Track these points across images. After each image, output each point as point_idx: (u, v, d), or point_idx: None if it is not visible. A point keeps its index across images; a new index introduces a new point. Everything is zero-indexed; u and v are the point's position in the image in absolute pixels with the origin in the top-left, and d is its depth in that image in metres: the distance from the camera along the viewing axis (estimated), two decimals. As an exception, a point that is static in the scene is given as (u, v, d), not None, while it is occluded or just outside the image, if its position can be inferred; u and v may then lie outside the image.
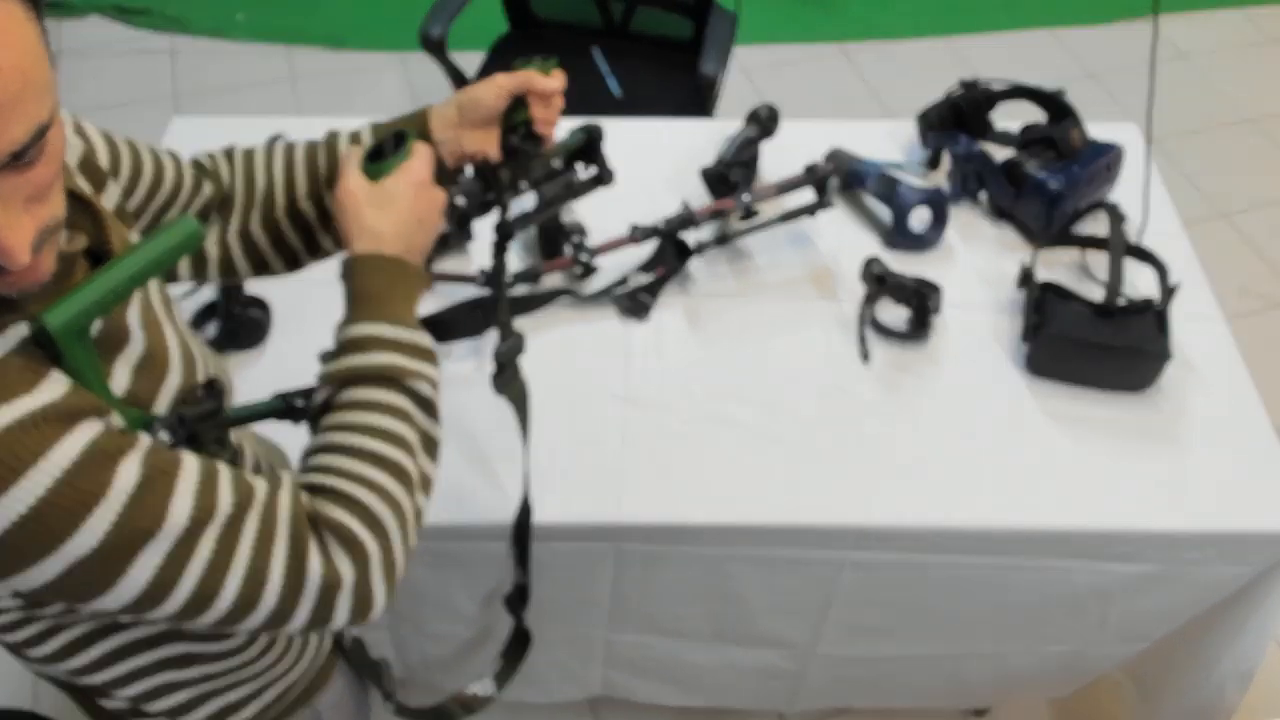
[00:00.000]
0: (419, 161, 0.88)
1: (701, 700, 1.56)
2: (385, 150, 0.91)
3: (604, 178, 1.08)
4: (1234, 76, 3.20)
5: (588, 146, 1.07)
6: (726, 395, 1.35)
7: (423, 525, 0.82)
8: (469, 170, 0.99)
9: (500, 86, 0.94)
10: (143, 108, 2.99)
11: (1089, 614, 1.36)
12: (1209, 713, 1.42)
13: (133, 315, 0.75)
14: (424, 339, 0.84)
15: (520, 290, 1.44)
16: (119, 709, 0.92)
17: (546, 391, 1.35)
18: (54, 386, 0.63)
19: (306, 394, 0.84)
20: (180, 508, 0.67)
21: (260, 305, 1.41)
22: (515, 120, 0.97)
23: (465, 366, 1.38)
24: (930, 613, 1.37)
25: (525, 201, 1.11)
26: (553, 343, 1.41)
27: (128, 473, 0.64)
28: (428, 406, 0.83)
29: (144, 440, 0.68)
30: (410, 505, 0.80)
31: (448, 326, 1.39)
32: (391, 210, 0.85)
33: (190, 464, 0.69)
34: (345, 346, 0.81)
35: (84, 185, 0.79)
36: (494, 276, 1.05)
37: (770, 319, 1.45)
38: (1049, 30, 3.35)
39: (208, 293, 1.44)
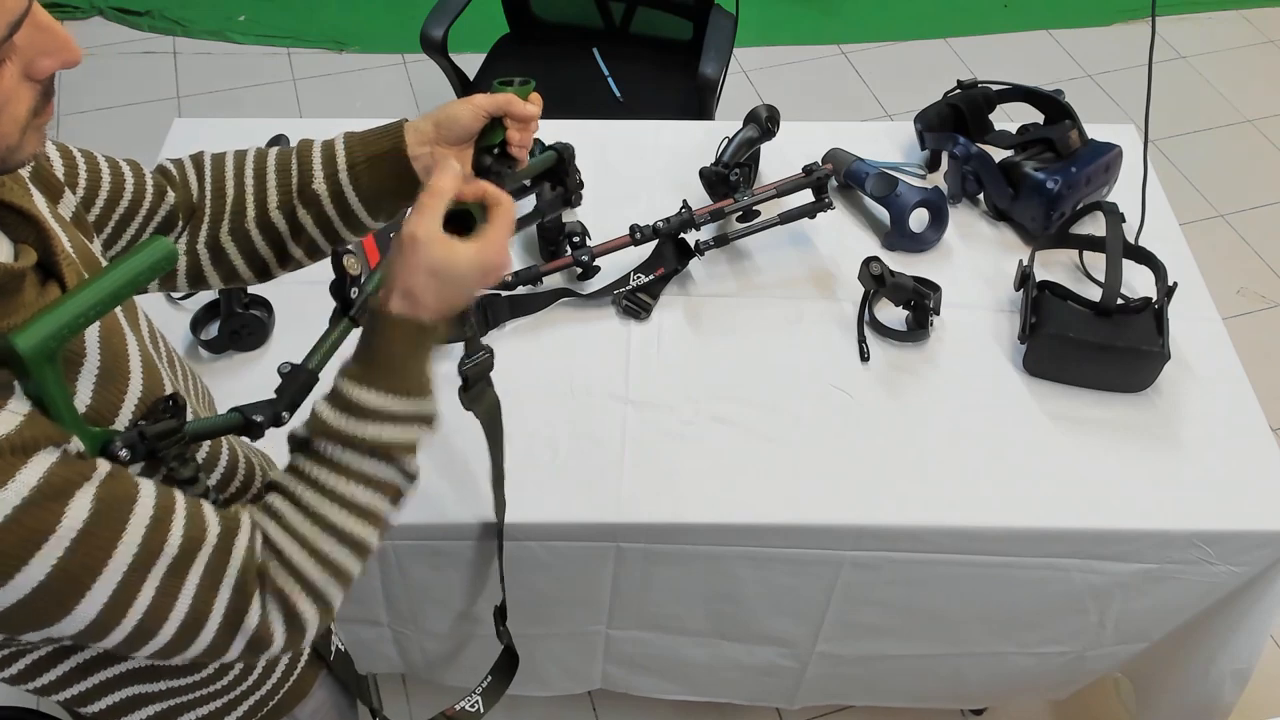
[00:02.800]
0: (501, 233, 0.82)
1: (701, 695, 1.57)
2: (473, 210, 0.84)
3: (570, 200, 1.08)
4: (1231, 78, 3.21)
5: (557, 166, 1.07)
6: (726, 395, 1.36)
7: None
8: None
9: (478, 107, 0.94)
10: (145, 109, 2.99)
11: (1087, 613, 1.36)
12: (1207, 711, 1.42)
13: (90, 328, 0.73)
14: (428, 406, 0.81)
15: (520, 290, 1.45)
16: None
17: (547, 391, 1.36)
18: (7, 418, 0.62)
19: (267, 408, 0.82)
20: (130, 543, 0.67)
21: (263, 305, 1.42)
22: (490, 141, 0.97)
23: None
24: (929, 612, 1.37)
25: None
26: (553, 343, 1.42)
27: (79, 507, 0.64)
28: (412, 478, 0.83)
29: (101, 469, 0.67)
30: (359, 569, 0.80)
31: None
32: (448, 285, 0.79)
33: (146, 497, 0.69)
34: (345, 404, 0.78)
35: (36, 196, 0.78)
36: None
37: (770, 319, 1.45)
38: (1047, 31, 3.35)
39: (209, 292, 1.44)
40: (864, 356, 1.41)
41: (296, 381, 0.83)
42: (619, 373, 1.38)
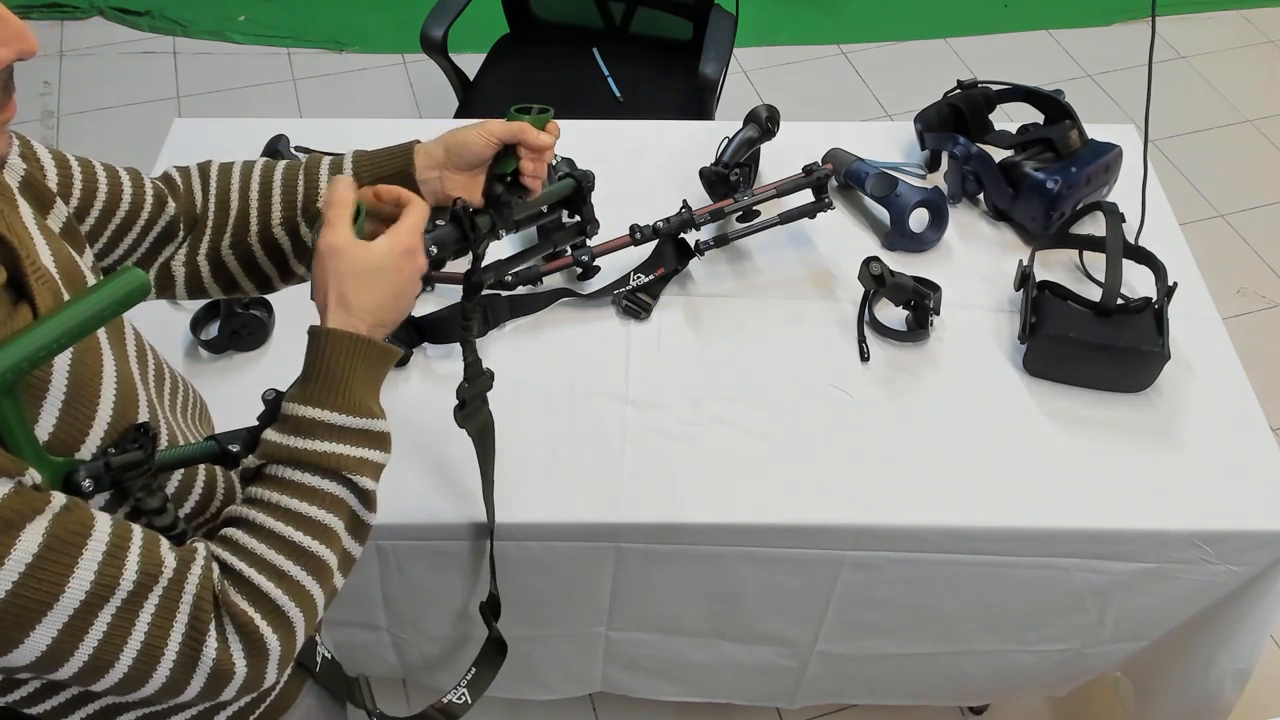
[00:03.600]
0: (412, 222, 0.84)
1: (701, 696, 1.57)
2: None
3: (587, 230, 1.07)
4: (1231, 77, 3.21)
5: (574, 194, 1.06)
6: (726, 395, 1.36)
7: (333, 598, 0.81)
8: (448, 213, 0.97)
9: (491, 134, 0.93)
10: (145, 109, 2.99)
11: (1087, 613, 1.36)
12: (1206, 711, 1.42)
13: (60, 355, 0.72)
14: (377, 425, 0.81)
15: (520, 290, 1.45)
16: None
17: (547, 391, 1.36)
18: None
19: (244, 436, 0.82)
20: (80, 580, 0.65)
21: (263, 305, 1.42)
22: (503, 170, 0.95)
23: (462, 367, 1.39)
24: (928, 611, 1.37)
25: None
26: (553, 343, 1.42)
27: (29, 540, 0.63)
28: (365, 497, 0.81)
29: (55, 502, 0.66)
30: (322, 593, 0.79)
31: (444, 327, 1.39)
32: (375, 285, 0.80)
33: (100, 532, 0.68)
34: (290, 424, 0.78)
35: (22, 208, 0.77)
36: (464, 322, 1.04)
37: (770, 319, 1.45)
38: (1047, 31, 3.35)
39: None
40: (864, 356, 1.41)
41: (276, 409, 0.81)
42: (619, 373, 1.38)
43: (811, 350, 1.42)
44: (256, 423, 0.82)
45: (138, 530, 0.71)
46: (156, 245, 0.96)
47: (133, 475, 0.75)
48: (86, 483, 0.71)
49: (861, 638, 1.42)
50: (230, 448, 0.81)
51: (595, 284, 1.47)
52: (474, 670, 1.26)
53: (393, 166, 0.95)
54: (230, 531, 0.78)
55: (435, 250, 0.91)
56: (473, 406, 1.07)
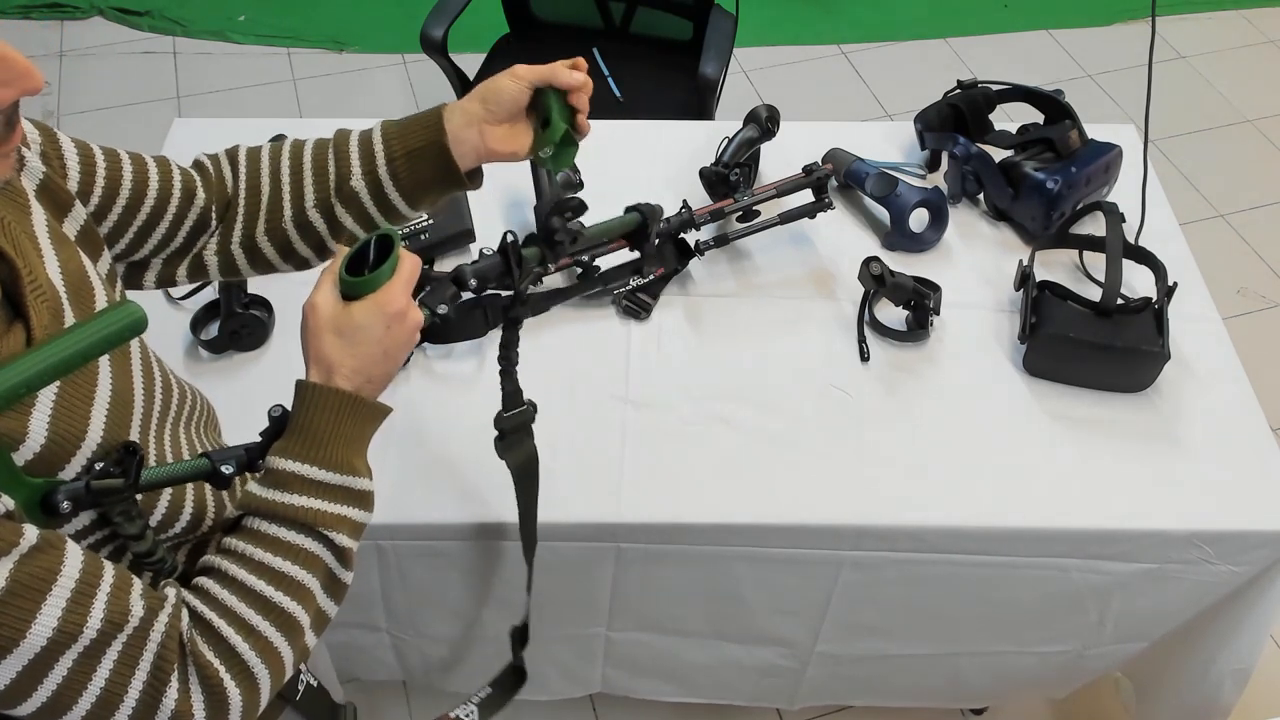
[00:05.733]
0: (399, 285, 0.80)
1: (701, 697, 1.57)
2: (367, 257, 0.82)
3: (643, 271, 1.04)
4: (1231, 77, 3.21)
5: (639, 228, 1.03)
6: (726, 395, 1.36)
7: (305, 660, 0.81)
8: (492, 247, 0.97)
9: (520, 77, 0.92)
10: (144, 109, 2.99)
11: (1087, 613, 1.36)
12: (1206, 711, 1.42)
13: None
14: (357, 483, 0.80)
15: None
16: None
17: (547, 391, 1.35)
18: None
19: (240, 455, 0.80)
20: (43, 625, 0.65)
21: (263, 305, 1.42)
22: (552, 139, 0.93)
23: (466, 366, 1.39)
24: (929, 612, 1.37)
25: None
26: (553, 343, 1.42)
27: None
28: (341, 555, 0.80)
29: (25, 541, 0.65)
30: (291, 652, 0.77)
31: (448, 327, 1.39)
32: (355, 343, 0.79)
33: (68, 576, 0.67)
34: (270, 477, 0.78)
35: (35, 213, 0.76)
36: (505, 356, 1.04)
37: (770, 319, 1.45)
38: (1047, 31, 3.35)
39: (209, 292, 1.44)
40: (864, 356, 1.41)
41: (279, 428, 0.80)
42: (619, 373, 1.38)
43: (811, 350, 1.42)
44: (257, 438, 0.81)
45: (109, 571, 0.70)
46: (190, 238, 0.95)
47: (112, 500, 0.74)
48: (65, 504, 0.70)
49: (861, 638, 1.42)
50: (223, 468, 0.79)
51: (595, 284, 1.47)
52: (489, 691, 1.25)
53: (425, 137, 0.94)
54: (203, 580, 0.77)
55: (445, 310, 0.92)
56: (514, 438, 1.06)
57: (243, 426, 1.00)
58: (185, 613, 0.74)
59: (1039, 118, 1.63)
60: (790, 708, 1.62)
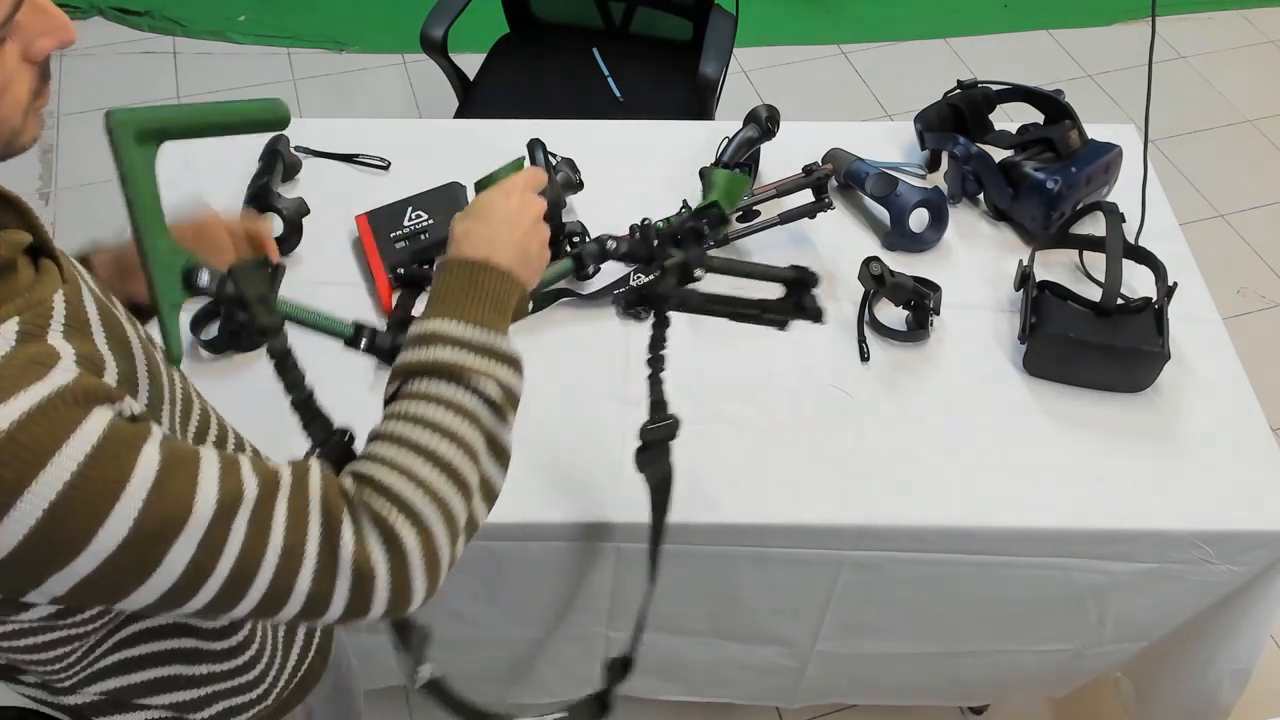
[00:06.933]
0: (518, 176, 0.92)
1: (701, 696, 1.57)
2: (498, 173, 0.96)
3: (811, 318, 1.06)
4: (1231, 77, 3.21)
5: (794, 282, 1.05)
6: (726, 395, 1.36)
7: (475, 533, 0.79)
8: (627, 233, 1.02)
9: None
10: (144, 109, 2.99)
11: (1087, 613, 1.37)
12: (1206, 711, 1.43)
13: (95, 318, 0.71)
14: (498, 341, 0.82)
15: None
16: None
17: (547, 391, 1.36)
18: (64, 373, 0.61)
19: (383, 333, 0.88)
20: (207, 492, 0.65)
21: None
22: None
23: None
24: (928, 611, 1.37)
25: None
26: (553, 343, 1.42)
27: (149, 458, 0.63)
28: (496, 409, 0.80)
29: (156, 431, 0.66)
30: (461, 505, 0.77)
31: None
32: (479, 215, 0.87)
33: (209, 452, 0.68)
34: (410, 342, 0.81)
35: None
36: (654, 359, 1.03)
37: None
38: (1047, 31, 3.35)
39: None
40: (864, 356, 1.41)
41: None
42: (619, 373, 1.38)
43: (811, 350, 1.42)
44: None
45: (246, 451, 0.72)
46: None
47: (255, 279, 0.79)
48: (204, 276, 0.77)
49: (861, 637, 1.42)
50: (364, 335, 0.88)
51: (595, 284, 1.47)
52: (565, 716, 1.23)
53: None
54: (369, 446, 0.78)
55: (612, 245, 0.99)
56: (656, 452, 1.07)
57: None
58: (350, 477, 0.75)
59: (1039, 118, 1.63)
60: (790, 706, 1.62)
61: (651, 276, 1.00)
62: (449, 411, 0.78)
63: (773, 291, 1.13)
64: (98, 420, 0.61)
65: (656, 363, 1.03)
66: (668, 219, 1.43)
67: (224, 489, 0.66)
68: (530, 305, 0.95)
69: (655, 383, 1.04)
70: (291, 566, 0.69)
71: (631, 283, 1.45)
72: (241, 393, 0.95)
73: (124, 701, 0.90)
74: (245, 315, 0.79)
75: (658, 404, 1.04)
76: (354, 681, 1.21)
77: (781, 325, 1.11)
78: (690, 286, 1.01)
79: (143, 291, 0.85)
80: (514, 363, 0.83)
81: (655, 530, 1.15)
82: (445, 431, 0.77)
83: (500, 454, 0.82)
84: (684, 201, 1.45)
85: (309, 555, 0.69)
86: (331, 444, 0.81)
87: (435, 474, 0.76)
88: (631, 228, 1.38)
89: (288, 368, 0.81)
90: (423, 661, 1.08)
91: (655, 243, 1.00)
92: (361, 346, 0.89)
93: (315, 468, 0.73)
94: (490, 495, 0.81)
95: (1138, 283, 1.47)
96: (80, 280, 0.73)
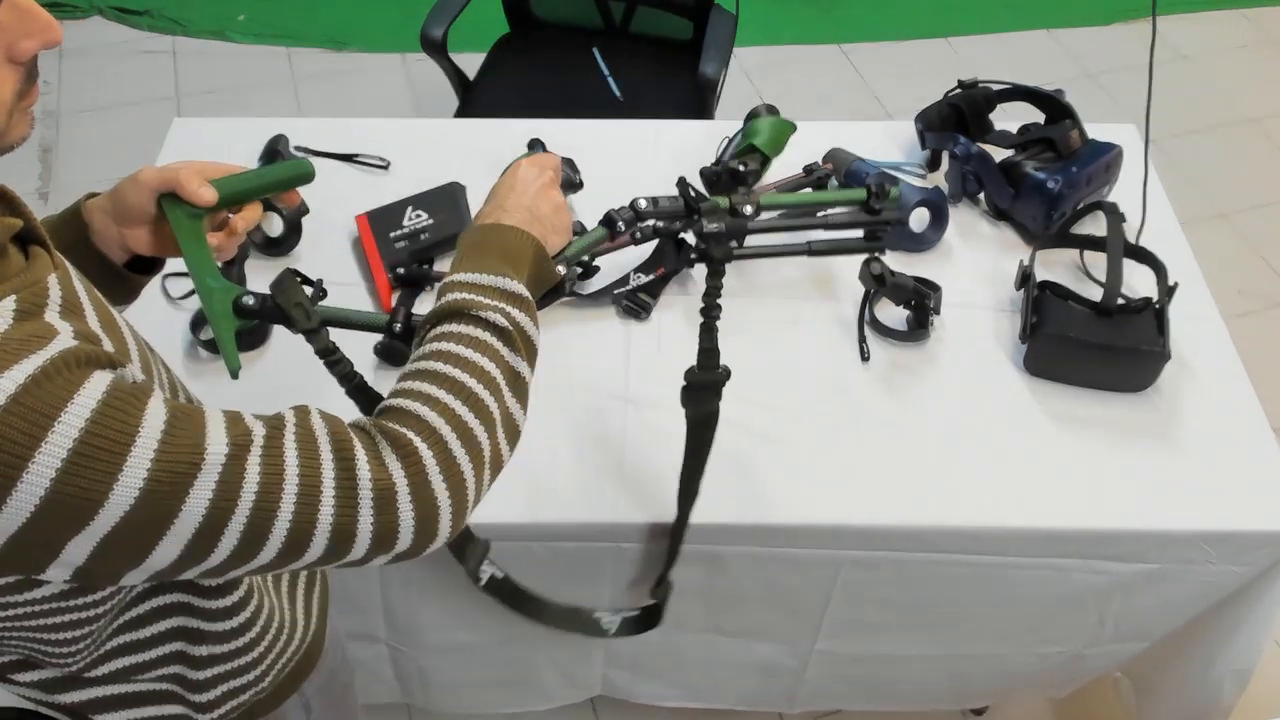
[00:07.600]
0: (534, 157, 0.99)
1: (701, 701, 1.57)
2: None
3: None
4: (1232, 77, 3.21)
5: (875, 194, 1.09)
6: (727, 395, 1.35)
7: (499, 471, 0.80)
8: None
9: (143, 184, 0.89)
10: (144, 109, 2.99)
11: (1087, 613, 1.36)
12: (1207, 712, 1.42)
13: (106, 317, 0.73)
14: (505, 282, 0.84)
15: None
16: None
17: (547, 391, 1.35)
18: (62, 339, 0.63)
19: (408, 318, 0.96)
20: (216, 437, 0.66)
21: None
22: (175, 231, 0.90)
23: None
24: (929, 612, 1.37)
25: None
26: (553, 343, 1.41)
27: (155, 411, 0.64)
28: (505, 336, 0.81)
29: (158, 390, 0.67)
30: (480, 429, 0.77)
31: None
32: (490, 199, 0.95)
33: (211, 408, 0.69)
34: (439, 291, 0.85)
35: None
36: (708, 308, 1.03)
37: (770, 319, 1.45)
38: (1048, 31, 3.35)
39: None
40: (864, 356, 1.41)
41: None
42: (619, 373, 1.38)
43: (811, 350, 1.41)
44: None
45: (247, 413, 0.73)
46: None
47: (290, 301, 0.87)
48: (248, 299, 0.86)
49: (861, 637, 1.42)
50: (396, 325, 0.98)
51: (595, 284, 1.47)
52: (626, 614, 1.31)
53: (73, 234, 0.92)
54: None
55: (645, 204, 1.03)
56: (701, 395, 1.10)
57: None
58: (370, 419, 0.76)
59: (1039, 117, 1.63)
60: (790, 710, 1.62)
61: (694, 228, 1.03)
62: (459, 344, 0.79)
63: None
64: (99, 380, 0.62)
65: (711, 310, 1.03)
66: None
67: (232, 433, 0.67)
68: (563, 270, 0.98)
69: (709, 330, 1.04)
70: (311, 498, 0.69)
71: (632, 283, 1.45)
72: (242, 393, 0.95)
73: (127, 693, 0.90)
74: (289, 325, 0.88)
75: (709, 351, 1.05)
76: (351, 679, 1.21)
77: (875, 237, 1.10)
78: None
79: (137, 237, 0.92)
80: (521, 301, 0.85)
81: (689, 465, 1.16)
82: (457, 360, 0.78)
83: (518, 387, 0.82)
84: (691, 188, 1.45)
85: (326, 484, 0.69)
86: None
87: (448, 395, 0.76)
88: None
89: (334, 362, 0.90)
90: (483, 564, 1.15)
91: (692, 193, 1.00)
92: (397, 331, 0.98)
93: (315, 410, 0.74)
94: (512, 430, 0.81)
95: (1138, 282, 1.47)
96: (68, 267, 0.73)
